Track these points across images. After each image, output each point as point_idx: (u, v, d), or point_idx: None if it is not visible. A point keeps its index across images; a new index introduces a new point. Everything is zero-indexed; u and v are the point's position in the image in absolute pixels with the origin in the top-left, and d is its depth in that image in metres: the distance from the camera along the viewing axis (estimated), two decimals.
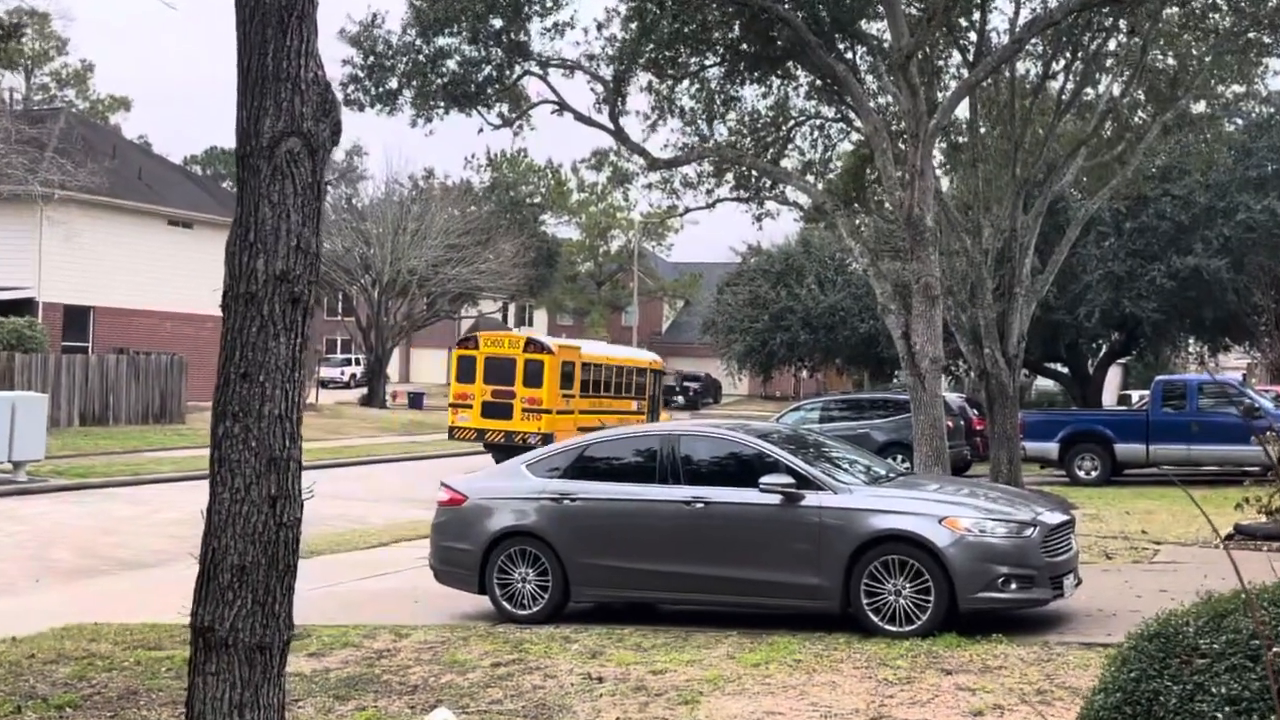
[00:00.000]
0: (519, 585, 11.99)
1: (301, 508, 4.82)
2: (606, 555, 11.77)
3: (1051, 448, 26.62)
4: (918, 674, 9.18)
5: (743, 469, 11.62)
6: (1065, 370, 39.26)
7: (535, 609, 11.89)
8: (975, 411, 29.86)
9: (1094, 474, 26.19)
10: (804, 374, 56.54)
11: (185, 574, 5.07)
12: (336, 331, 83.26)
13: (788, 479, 11.17)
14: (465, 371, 34.87)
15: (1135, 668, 4.22)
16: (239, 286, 4.73)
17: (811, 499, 11.09)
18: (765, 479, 11.21)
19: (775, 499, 11.18)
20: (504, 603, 12.03)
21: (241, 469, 4.67)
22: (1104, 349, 39.36)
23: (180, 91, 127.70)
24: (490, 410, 34.14)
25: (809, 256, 43.32)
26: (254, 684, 4.70)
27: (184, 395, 37.98)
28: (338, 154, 71.13)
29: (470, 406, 34.45)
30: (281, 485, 4.70)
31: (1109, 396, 49.47)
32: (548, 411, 34.27)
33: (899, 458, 25.07)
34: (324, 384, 63.03)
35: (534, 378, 34.40)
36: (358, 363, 76.72)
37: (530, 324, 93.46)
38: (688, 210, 27.18)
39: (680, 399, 70.40)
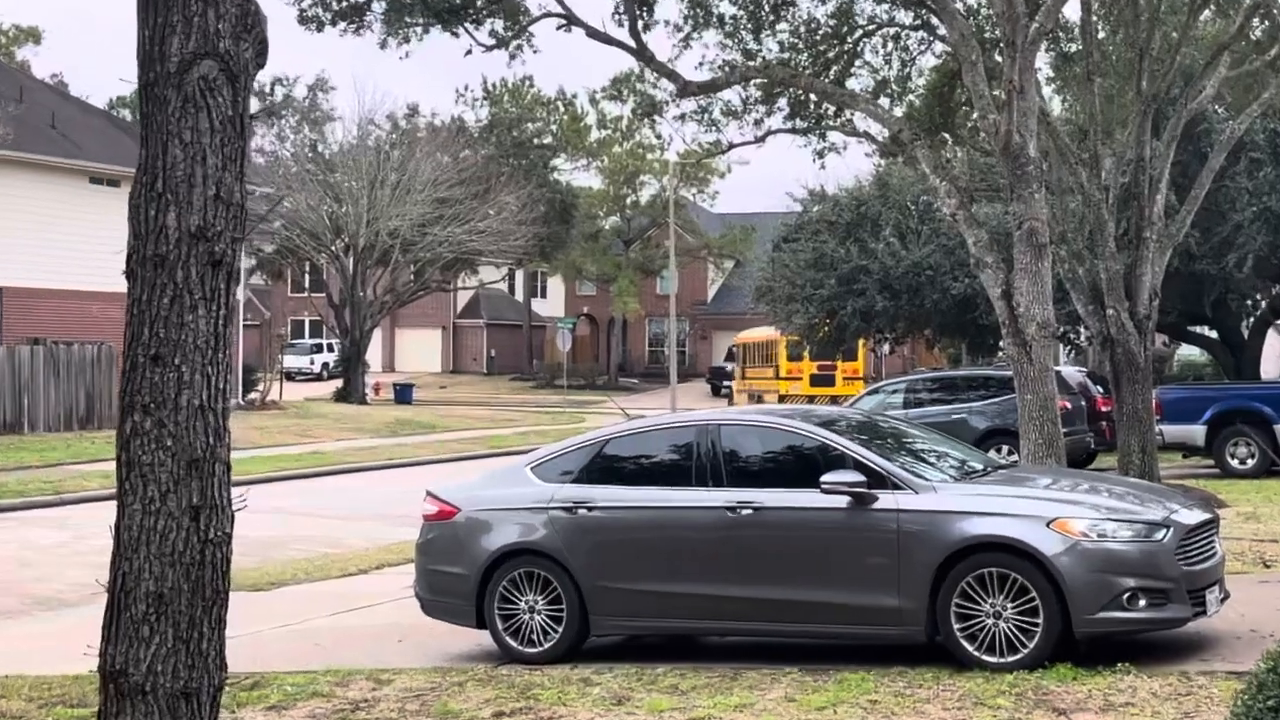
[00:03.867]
0: (526, 616, 12.03)
1: (232, 521, 4.83)
2: (632, 577, 11.79)
3: (1196, 431, 26.43)
4: (1023, 716, 9.16)
5: (801, 465, 11.62)
6: (1213, 334, 38.91)
7: (547, 645, 11.92)
8: (1100, 389, 29.69)
9: (1250, 463, 25.99)
10: (885, 348, 56.46)
11: None
12: (304, 311, 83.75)
13: (856, 476, 11.14)
14: (796, 352, 56.32)
15: (1273, 694, 4.18)
16: (146, 248, 4.72)
17: (887, 500, 11.06)
18: (827, 477, 11.19)
19: (841, 501, 11.16)
20: (508, 638, 12.07)
21: (155, 474, 4.67)
22: (1261, 306, 39.01)
23: (103, 20, 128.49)
24: (817, 380, 57.39)
25: (886, 202, 42.96)
26: None
27: (115, 393, 38.24)
28: (298, 90, 71.21)
29: (800, 379, 57.99)
30: (205, 493, 4.70)
31: (1269, 366, 49.03)
32: (863, 379, 54.94)
33: (1004, 449, 24.99)
34: (290, 376, 63.33)
35: (850, 353, 55.93)
36: (330, 349, 77.18)
37: (544, 295, 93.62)
38: (732, 146, 27.13)
39: (728, 385, 69.88)
